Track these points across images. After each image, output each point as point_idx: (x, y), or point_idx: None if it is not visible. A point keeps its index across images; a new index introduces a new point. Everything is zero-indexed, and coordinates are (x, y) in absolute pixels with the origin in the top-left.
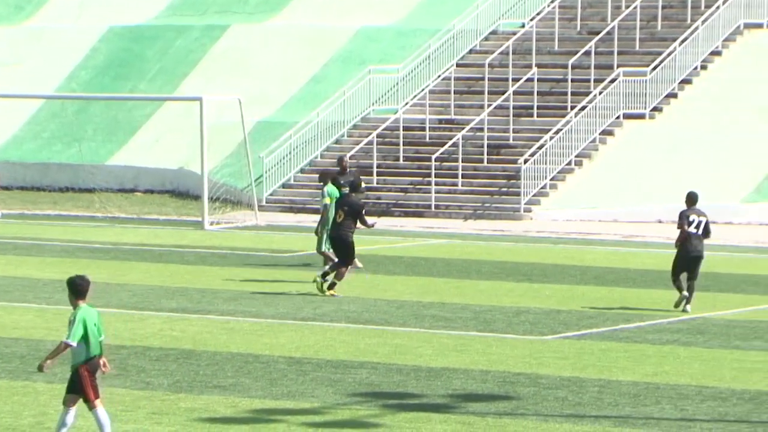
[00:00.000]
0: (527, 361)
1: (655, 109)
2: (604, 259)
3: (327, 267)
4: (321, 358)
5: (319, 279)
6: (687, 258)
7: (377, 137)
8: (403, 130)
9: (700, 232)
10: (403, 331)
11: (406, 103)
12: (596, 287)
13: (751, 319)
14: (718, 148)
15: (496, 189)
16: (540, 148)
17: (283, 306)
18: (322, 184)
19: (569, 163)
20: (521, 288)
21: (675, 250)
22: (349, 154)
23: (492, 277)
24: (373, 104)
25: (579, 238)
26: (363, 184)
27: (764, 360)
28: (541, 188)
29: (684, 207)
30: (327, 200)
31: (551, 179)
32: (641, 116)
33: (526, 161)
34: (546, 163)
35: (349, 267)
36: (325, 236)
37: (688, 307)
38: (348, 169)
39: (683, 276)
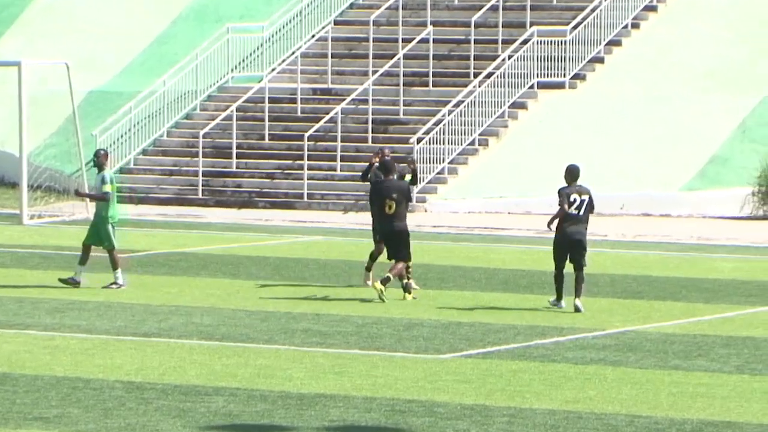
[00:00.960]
0: (421, 385)
1: (576, 76)
2: (514, 260)
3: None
4: (167, 382)
5: (380, 286)
6: (566, 243)
7: (237, 111)
8: (269, 103)
9: (582, 213)
10: (268, 348)
11: (273, 69)
12: (505, 294)
13: (693, 332)
14: (654, 124)
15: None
16: (436, 124)
17: (121, 318)
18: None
19: (472, 143)
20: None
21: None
22: (202, 131)
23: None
24: (232, 70)
25: (484, 235)
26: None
27: (708, 383)
28: (438, 173)
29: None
30: (108, 187)
31: (450, 162)
32: (560, 85)
33: (419, 141)
34: (444, 143)
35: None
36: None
37: (579, 302)
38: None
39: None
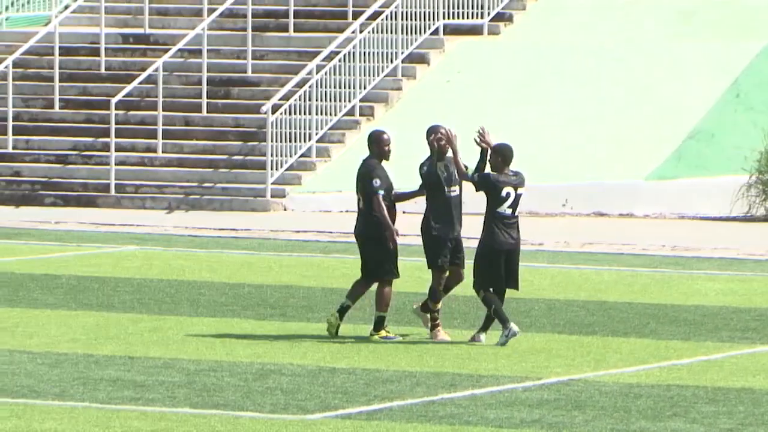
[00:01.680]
0: None
1: (499, 17)
2: (411, 279)
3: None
4: None
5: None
6: (496, 253)
7: (14, 67)
8: (61, 55)
9: (516, 213)
10: (60, 406)
11: (66, 8)
12: (399, 327)
13: (666, 382)
14: (609, 85)
15: (224, 158)
16: (300, 86)
17: None
18: None
19: (351, 113)
20: (264, 328)
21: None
22: None
23: (213, 311)
24: (5, 10)
25: None
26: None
27: None
28: (302, 156)
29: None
30: None
31: (319, 141)
32: (475, 30)
33: (275, 109)
34: (310, 113)
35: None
36: None
37: (483, 336)
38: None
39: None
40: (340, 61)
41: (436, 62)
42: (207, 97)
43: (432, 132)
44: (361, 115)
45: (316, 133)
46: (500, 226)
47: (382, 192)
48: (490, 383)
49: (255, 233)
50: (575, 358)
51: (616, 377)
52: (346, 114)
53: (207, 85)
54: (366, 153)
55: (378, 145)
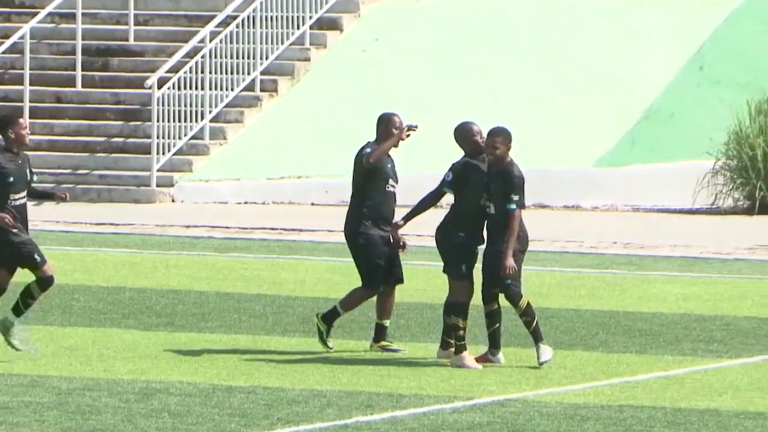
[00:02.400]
0: None
1: None
2: (321, 282)
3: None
4: None
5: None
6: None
7: None
8: None
9: (495, 210)
10: None
11: None
12: (305, 339)
13: (619, 402)
14: (552, 54)
15: (102, 140)
16: (190, 56)
17: None
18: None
19: (250, 88)
20: (149, 339)
21: None
22: None
23: (88, 320)
24: None
25: (270, 240)
26: None
27: None
28: (193, 139)
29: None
30: None
31: (213, 121)
32: None
33: (161, 84)
34: (202, 88)
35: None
36: None
37: (500, 356)
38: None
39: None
40: (237, 27)
41: (350, 28)
42: (82, 70)
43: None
44: (262, 90)
45: (210, 112)
46: (487, 223)
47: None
48: (412, 404)
49: (138, 228)
50: (512, 374)
51: (559, 396)
52: (245, 89)
53: (82, 55)
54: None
55: (386, 126)
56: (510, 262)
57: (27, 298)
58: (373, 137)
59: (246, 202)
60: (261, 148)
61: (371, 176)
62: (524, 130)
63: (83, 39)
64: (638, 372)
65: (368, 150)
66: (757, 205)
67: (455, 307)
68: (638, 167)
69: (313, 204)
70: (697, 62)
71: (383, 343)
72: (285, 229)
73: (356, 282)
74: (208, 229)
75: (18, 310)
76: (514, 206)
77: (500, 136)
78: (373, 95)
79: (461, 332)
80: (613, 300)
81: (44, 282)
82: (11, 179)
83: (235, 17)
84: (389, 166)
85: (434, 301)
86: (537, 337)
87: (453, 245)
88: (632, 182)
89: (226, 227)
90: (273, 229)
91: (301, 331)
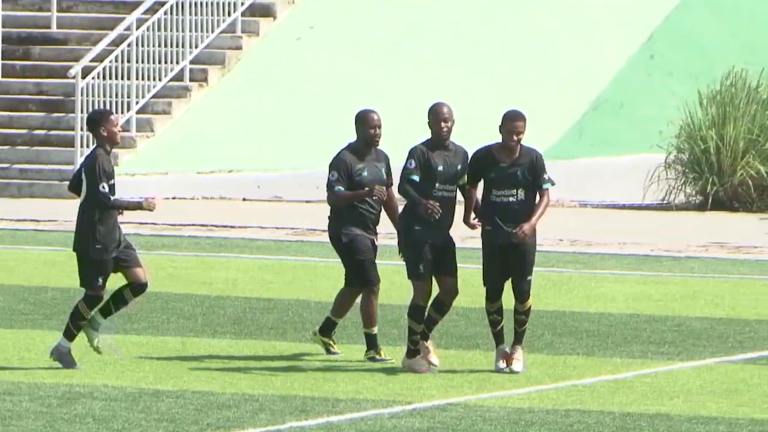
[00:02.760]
0: None
1: None
2: (256, 282)
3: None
4: None
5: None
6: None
7: None
8: None
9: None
10: None
11: None
12: (240, 341)
13: (565, 406)
14: (497, 45)
15: (23, 133)
16: (116, 45)
17: None
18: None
19: (179, 77)
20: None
21: None
22: None
23: (8, 321)
24: None
25: (200, 237)
26: None
27: None
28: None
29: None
30: None
31: (140, 112)
32: None
33: (86, 73)
34: (129, 78)
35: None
36: None
37: (518, 365)
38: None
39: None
40: (165, 13)
41: (283, 15)
42: (2, 58)
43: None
44: (191, 80)
45: (137, 103)
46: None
47: (340, 188)
48: (348, 409)
49: (61, 225)
50: (453, 377)
51: (503, 401)
52: (174, 79)
53: (2, 43)
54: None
55: (362, 127)
56: (528, 229)
57: (119, 303)
58: (308, 131)
59: (174, 198)
60: (190, 140)
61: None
62: (467, 122)
63: (3, 26)
64: (585, 375)
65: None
66: (710, 200)
67: (410, 309)
68: (586, 161)
69: (244, 199)
70: (648, 51)
71: (326, 340)
72: (215, 226)
73: (288, 280)
74: (135, 225)
75: (106, 311)
76: (549, 184)
77: (523, 119)
78: (307, 86)
79: (416, 336)
80: (559, 300)
81: (138, 288)
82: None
83: (163, 3)
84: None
85: None
86: (519, 340)
87: (407, 242)
88: (579, 176)
89: (154, 223)
90: (203, 225)
91: (231, 333)
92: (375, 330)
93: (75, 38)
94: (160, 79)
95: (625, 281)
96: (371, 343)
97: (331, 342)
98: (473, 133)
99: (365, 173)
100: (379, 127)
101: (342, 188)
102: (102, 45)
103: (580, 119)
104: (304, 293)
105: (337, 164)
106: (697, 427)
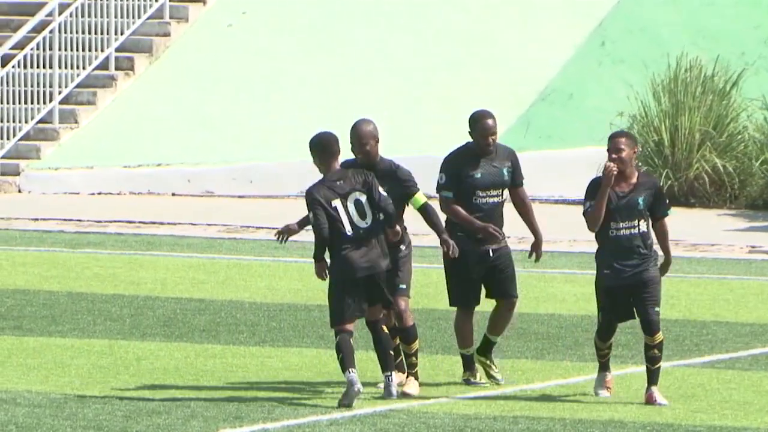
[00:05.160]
0: None
1: None
2: (182, 281)
3: None
4: None
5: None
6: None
7: None
8: None
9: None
10: None
11: None
12: (167, 343)
13: (510, 411)
14: (438, 33)
15: None
16: (37, 31)
17: None
18: None
19: (104, 66)
20: None
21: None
22: None
23: None
24: None
25: (127, 234)
26: None
27: None
28: (41, 122)
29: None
30: None
31: (63, 102)
32: None
33: (6, 61)
34: (51, 66)
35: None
36: None
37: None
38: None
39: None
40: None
41: (213, 0)
42: None
43: None
44: (117, 68)
45: (60, 93)
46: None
47: (448, 194)
48: (286, 415)
49: None
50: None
51: (448, 407)
52: (98, 68)
53: None
54: None
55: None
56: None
57: None
58: (241, 122)
59: (100, 193)
60: (116, 132)
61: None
62: (406, 114)
63: None
64: (534, 379)
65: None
66: None
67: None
68: (533, 153)
69: (174, 194)
70: (599, 38)
71: (483, 360)
72: (143, 222)
73: (221, 279)
74: (59, 222)
75: None
76: (668, 211)
77: (624, 136)
78: (240, 74)
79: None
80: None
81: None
82: None
83: None
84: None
85: (309, 302)
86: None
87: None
88: (526, 170)
89: (78, 220)
90: (130, 222)
91: (161, 335)
92: (469, 351)
93: None
94: (84, 68)
95: (576, 281)
96: (465, 363)
97: (488, 363)
98: (413, 126)
99: (479, 175)
100: (494, 134)
101: (450, 194)
102: (23, 32)
103: (527, 110)
104: (237, 293)
105: (445, 165)
106: None
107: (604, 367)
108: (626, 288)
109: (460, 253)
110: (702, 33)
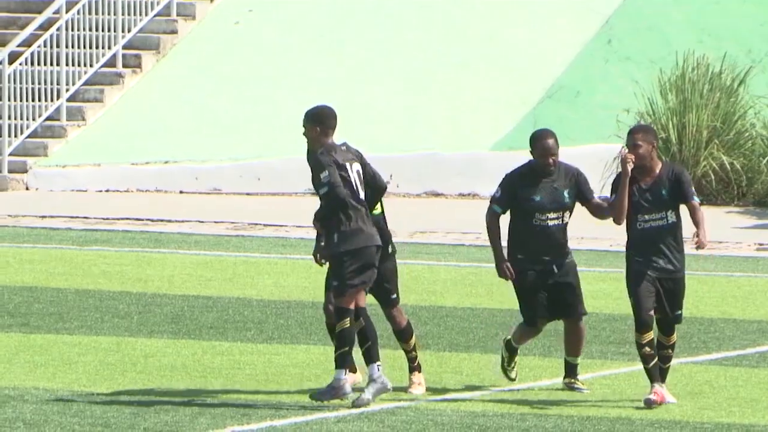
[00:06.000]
0: None
1: None
2: (187, 277)
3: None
4: None
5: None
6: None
7: None
8: None
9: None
10: None
11: None
12: (172, 341)
13: (518, 409)
14: (447, 31)
15: None
16: (44, 29)
17: None
18: None
19: (112, 63)
20: (1, 342)
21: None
22: None
23: None
24: None
25: (135, 232)
26: None
27: None
28: (49, 120)
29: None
30: None
31: (71, 99)
32: None
33: (12, 59)
34: (58, 63)
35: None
36: None
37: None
38: None
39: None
40: None
41: None
42: None
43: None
44: (124, 66)
45: (67, 90)
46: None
47: (496, 208)
48: (293, 412)
49: None
50: (403, 379)
51: (456, 404)
52: (106, 65)
53: None
54: None
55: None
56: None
57: None
58: (248, 119)
59: (107, 190)
60: (123, 130)
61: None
62: (415, 111)
63: None
64: (542, 377)
65: None
66: None
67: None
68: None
69: (181, 192)
70: (605, 35)
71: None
72: (151, 220)
73: (228, 276)
74: (66, 219)
75: None
76: (697, 198)
77: (641, 132)
78: (247, 72)
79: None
80: (514, 298)
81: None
82: None
83: None
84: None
85: (317, 299)
86: (654, 377)
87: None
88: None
89: (86, 218)
90: (137, 219)
91: (169, 332)
92: (575, 360)
93: (1, 22)
94: (91, 65)
95: (584, 278)
96: (568, 370)
97: (572, 380)
98: (422, 124)
99: (538, 198)
100: (554, 155)
101: (498, 208)
102: (30, 29)
103: (534, 108)
104: (245, 290)
105: (504, 181)
106: (660, 431)
107: (651, 377)
108: (654, 279)
109: (521, 273)
110: (708, 31)
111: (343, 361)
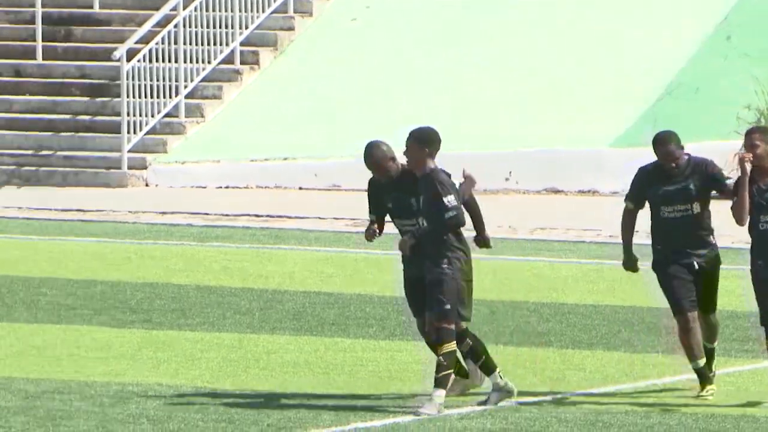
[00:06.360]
0: None
1: None
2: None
3: None
4: None
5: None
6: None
7: None
8: None
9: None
10: None
11: None
12: (294, 337)
13: (642, 406)
14: (566, 28)
15: (67, 118)
16: (162, 25)
17: None
18: None
19: (229, 60)
20: (124, 338)
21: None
22: None
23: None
24: None
25: (255, 228)
26: None
27: None
28: (168, 116)
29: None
30: None
31: (189, 96)
32: None
33: (131, 56)
34: (176, 60)
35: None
36: None
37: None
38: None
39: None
40: None
41: None
42: (42, 40)
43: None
44: (242, 62)
45: (185, 87)
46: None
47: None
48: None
49: (109, 215)
50: (526, 376)
51: (579, 401)
52: (224, 62)
53: (42, 24)
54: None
55: None
56: None
57: None
58: (366, 116)
59: (227, 187)
60: (242, 126)
61: None
62: (535, 108)
63: (43, 6)
64: (665, 374)
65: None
66: None
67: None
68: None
69: (301, 188)
70: (724, 31)
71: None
72: (271, 216)
73: (349, 273)
74: (186, 215)
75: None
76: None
77: (758, 132)
78: (364, 68)
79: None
80: (636, 294)
81: None
82: None
83: None
84: None
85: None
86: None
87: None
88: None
89: (206, 214)
90: (257, 215)
91: (291, 329)
92: (699, 363)
93: (119, 19)
94: (209, 62)
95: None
96: (699, 375)
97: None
98: (542, 120)
99: (661, 191)
100: (677, 158)
101: (630, 204)
102: (147, 26)
103: (653, 105)
104: (366, 287)
105: (634, 177)
106: None
107: None
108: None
109: (659, 263)
110: None
111: (446, 383)
